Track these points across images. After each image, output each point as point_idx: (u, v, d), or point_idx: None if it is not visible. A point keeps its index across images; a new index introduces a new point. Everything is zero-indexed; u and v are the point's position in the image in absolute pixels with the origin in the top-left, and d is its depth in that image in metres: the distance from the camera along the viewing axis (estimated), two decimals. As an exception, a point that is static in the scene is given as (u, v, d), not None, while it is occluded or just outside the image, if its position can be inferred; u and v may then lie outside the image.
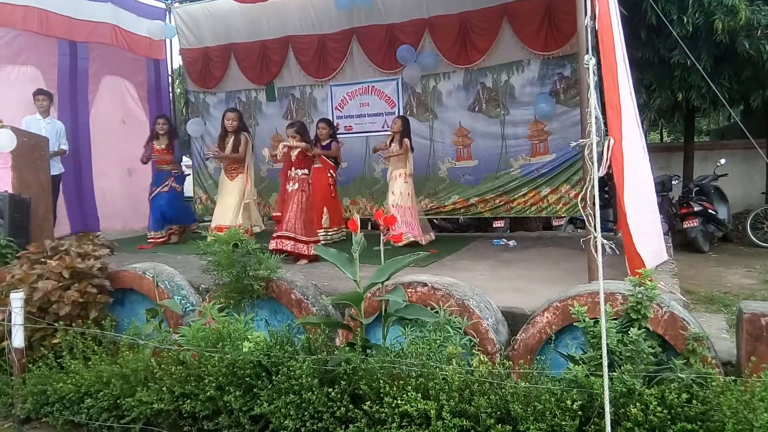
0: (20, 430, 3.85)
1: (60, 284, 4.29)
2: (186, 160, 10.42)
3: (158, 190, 7.35)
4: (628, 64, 4.71)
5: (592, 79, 2.76)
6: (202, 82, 9.46)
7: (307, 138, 6.26)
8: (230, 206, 6.80)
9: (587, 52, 2.86)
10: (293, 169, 6.06)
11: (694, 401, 2.54)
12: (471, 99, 7.79)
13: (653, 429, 2.52)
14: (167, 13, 9.15)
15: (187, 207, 7.98)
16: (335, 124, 7.88)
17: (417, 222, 6.81)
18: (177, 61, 10.58)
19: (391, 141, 6.94)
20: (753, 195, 10.08)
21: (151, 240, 7.25)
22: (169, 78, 9.59)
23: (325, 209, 7.02)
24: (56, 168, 6.79)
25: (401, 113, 8.16)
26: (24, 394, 3.88)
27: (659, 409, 2.50)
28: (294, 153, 6.05)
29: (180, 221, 7.65)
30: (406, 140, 6.81)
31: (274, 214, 6.66)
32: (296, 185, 6.00)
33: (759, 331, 3.01)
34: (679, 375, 2.67)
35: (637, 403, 2.56)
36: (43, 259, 4.50)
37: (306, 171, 6.08)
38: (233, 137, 6.78)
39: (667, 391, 2.57)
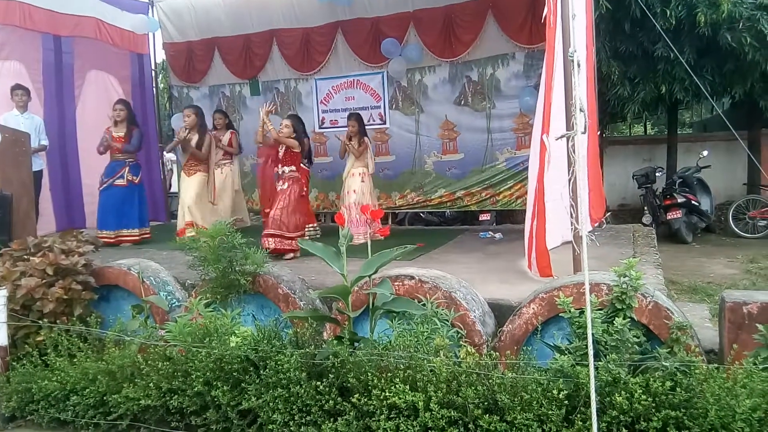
0: (5, 428, 3.81)
1: (44, 281, 4.24)
2: (171, 156, 10.34)
3: (111, 181, 6.77)
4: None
5: (576, 72, 2.77)
6: (185, 76, 9.38)
7: (300, 135, 6.22)
8: (189, 205, 6.58)
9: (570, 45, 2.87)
10: (281, 166, 6.06)
11: (678, 389, 2.58)
12: (457, 92, 7.80)
13: (638, 417, 2.55)
14: (150, 6, 9.05)
15: (144, 208, 7.09)
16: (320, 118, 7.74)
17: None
18: (160, 56, 10.50)
19: (349, 139, 6.78)
20: (735, 186, 10.21)
21: (103, 239, 6.44)
22: (152, 72, 9.49)
23: None
24: (37, 164, 6.68)
25: (387, 107, 8.16)
26: (8, 392, 3.84)
27: (644, 397, 2.54)
28: (281, 151, 6.05)
29: (131, 225, 6.86)
30: (366, 139, 6.74)
31: (265, 210, 6.56)
32: (285, 184, 6.02)
33: (741, 320, 3.06)
34: (664, 363, 2.70)
35: (623, 392, 2.59)
36: (26, 256, 4.45)
37: (293, 168, 6.07)
38: (197, 136, 6.61)
39: (651, 379, 2.61)
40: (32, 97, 7.07)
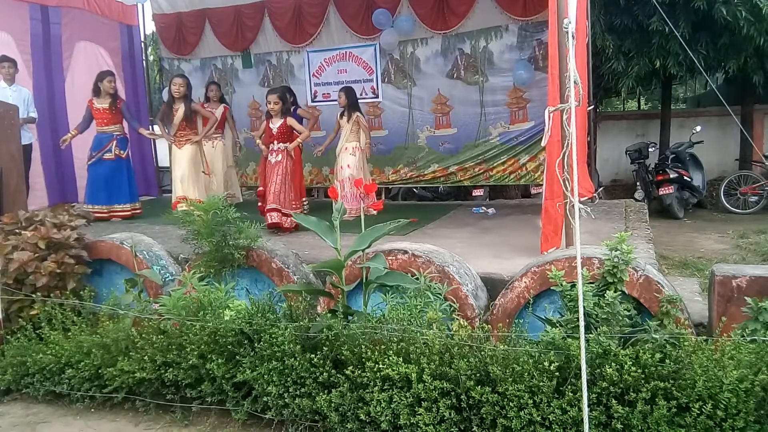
0: (1, 401, 3.83)
1: (36, 255, 4.23)
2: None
3: (99, 155, 6.71)
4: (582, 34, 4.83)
5: (571, 44, 2.76)
6: (176, 48, 9.25)
7: (288, 105, 6.17)
8: (180, 177, 6.52)
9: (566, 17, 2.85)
10: (275, 142, 6.03)
11: (667, 361, 2.62)
12: (449, 65, 7.73)
13: (628, 388, 2.60)
14: (138, -24, 8.88)
15: (133, 183, 7.07)
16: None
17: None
18: (149, 27, 10.33)
19: (341, 115, 6.69)
20: (727, 162, 10.26)
21: (94, 213, 6.28)
22: (142, 44, 9.35)
23: None
24: (26, 137, 6.59)
25: (379, 80, 8.09)
26: (3, 366, 3.86)
27: (634, 368, 2.58)
28: (275, 126, 6.00)
29: (123, 200, 6.84)
30: (358, 114, 6.57)
31: (259, 188, 6.50)
32: (279, 156, 5.97)
33: (730, 293, 3.10)
34: (653, 336, 2.74)
35: (613, 364, 2.63)
36: (17, 230, 4.43)
37: (288, 144, 6.03)
38: (182, 105, 6.50)
39: (641, 351, 2.65)
40: (21, 69, 6.96)
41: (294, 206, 6.04)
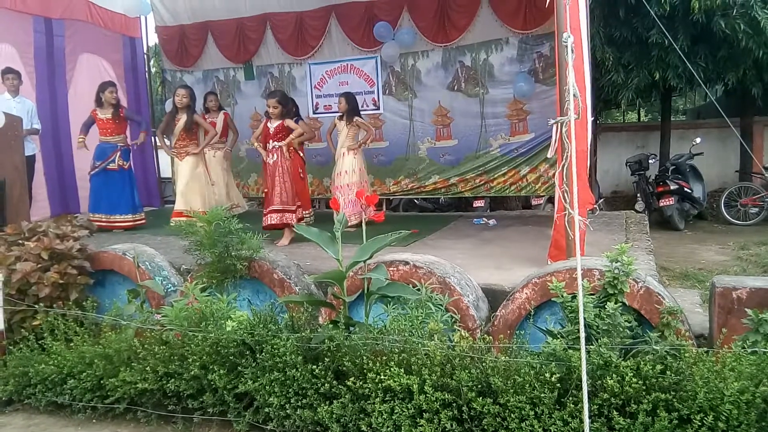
0: (2, 411, 3.83)
1: (39, 266, 4.25)
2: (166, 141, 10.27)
3: (103, 165, 6.77)
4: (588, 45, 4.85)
5: (570, 57, 2.79)
6: (178, 60, 9.31)
7: (289, 108, 6.17)
8: (182, 191, 6.51)
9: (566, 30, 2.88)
10: (271, 141, 5.98)
11: (668, 372, 2.62)
12: (450, 78, 7.78)
13: (629, 399, 2.60)
14: (142, -11, 8.96)
15: (136, 194, 7.09)
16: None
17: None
18: (152, 39, 10.40)
19: (340, 119, 6.72)
20: (727, 173, 10.28)
21: (95, 222, 6.33)
22: (145, 56, 9.42)
23: None
24: (29, 149, 6.63)
25: (380, 92, 8.14)
26: (5, 377, 3.86)
27: (634, 380, 2.59)
28: (272, 126, 6.00)
29: (125, 210, 6.88)
30: (357, 118, 6.60)
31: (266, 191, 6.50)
32: (275, 156, 5.94)
33: (731, 305, 3.11)
34: (654, 347, 2.75)
35: (614, 375, 2.64)
36: (20, 241, 4.45)
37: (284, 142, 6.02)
38: (185, 116, 6.49)
39: (642, 362, 2.65)
40: (24, 80, 7.01)
41: (296, 201, 5.95)
